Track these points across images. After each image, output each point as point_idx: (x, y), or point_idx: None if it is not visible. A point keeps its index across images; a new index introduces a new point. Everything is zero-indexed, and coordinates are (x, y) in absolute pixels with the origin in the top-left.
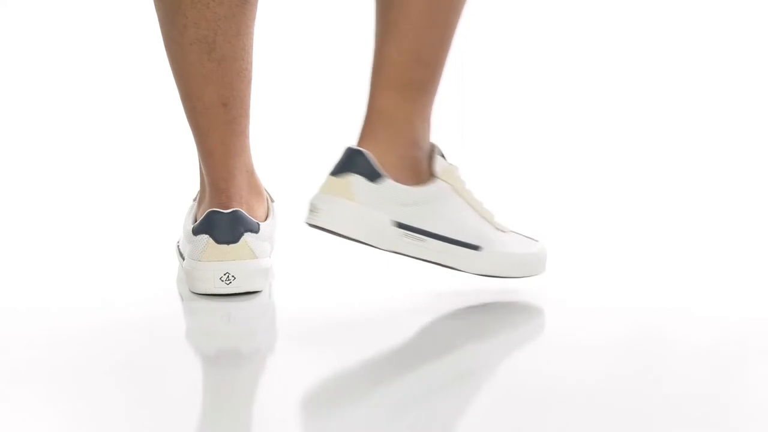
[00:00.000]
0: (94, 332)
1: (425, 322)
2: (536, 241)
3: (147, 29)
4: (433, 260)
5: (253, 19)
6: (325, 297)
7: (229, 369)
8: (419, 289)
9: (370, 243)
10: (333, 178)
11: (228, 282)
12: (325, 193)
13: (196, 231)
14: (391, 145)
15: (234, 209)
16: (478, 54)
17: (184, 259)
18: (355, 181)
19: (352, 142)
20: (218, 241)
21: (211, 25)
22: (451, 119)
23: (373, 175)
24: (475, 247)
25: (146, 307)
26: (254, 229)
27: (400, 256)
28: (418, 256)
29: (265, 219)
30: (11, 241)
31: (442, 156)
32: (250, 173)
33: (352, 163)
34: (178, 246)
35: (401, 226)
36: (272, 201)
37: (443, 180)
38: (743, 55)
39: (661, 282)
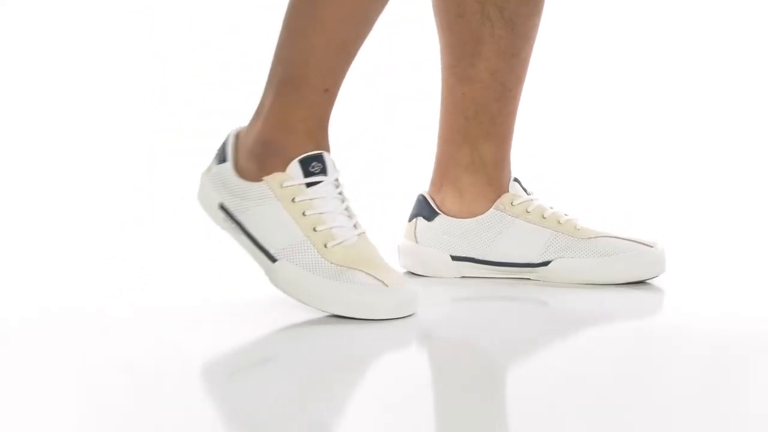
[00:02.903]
0: (94, 332)
1: (430, 322)
2: (384, 287)
3: (147, 29)
4: (246, 250)
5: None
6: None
7: (232, 374)
8: (424, 291)
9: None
10: None
11: None
12: None
13: None
14: (242, 139)
15: None
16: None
17: None
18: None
19: None
20: None
21: None
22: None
23: (220, 160)
24: (271, 258)
25: (147, 306)
26: None
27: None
28: (236, 240)
29: None
30: (11, 242)
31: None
32: None
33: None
34: None
35: (222, 207)
36: None
37: (267, 183)
38: (743, 55)
39: (660, 282)
